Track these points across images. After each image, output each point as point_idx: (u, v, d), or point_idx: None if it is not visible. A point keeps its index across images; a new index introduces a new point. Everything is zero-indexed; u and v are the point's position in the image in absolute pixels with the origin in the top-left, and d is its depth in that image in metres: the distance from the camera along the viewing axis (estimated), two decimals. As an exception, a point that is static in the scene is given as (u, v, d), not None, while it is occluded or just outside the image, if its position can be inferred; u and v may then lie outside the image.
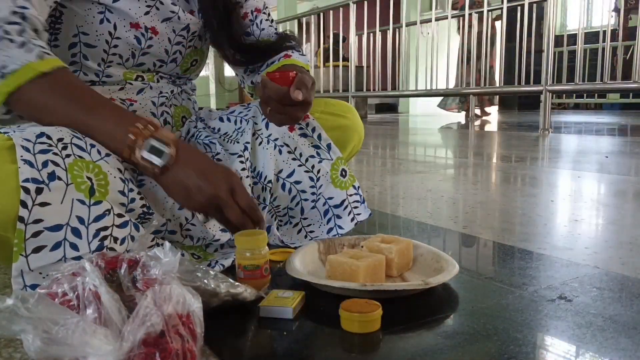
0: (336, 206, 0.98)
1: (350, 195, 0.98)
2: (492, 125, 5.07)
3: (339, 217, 0.98)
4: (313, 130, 0.98)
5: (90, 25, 0.82)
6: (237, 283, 0.66)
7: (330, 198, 0.97)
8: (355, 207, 0.98)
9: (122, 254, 0.53)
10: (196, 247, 0.87)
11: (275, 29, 1.05)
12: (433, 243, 0.91)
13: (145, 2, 0.86)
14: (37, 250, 0.63)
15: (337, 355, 0.58)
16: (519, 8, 4.63)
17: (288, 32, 1.07)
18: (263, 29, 1.02)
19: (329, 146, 0.98)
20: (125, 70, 0.89)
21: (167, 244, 0.53)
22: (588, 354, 0.59)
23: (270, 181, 0.94)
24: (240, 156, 0.92)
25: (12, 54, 0.67)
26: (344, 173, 0.98)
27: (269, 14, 1.05)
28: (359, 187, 1.00)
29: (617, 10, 5.39)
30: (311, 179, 0.96)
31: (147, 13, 0.86)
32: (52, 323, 0.42)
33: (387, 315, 0.64)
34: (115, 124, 0.70)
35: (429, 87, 5.10)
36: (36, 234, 0.62)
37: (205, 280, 0.61)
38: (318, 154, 0.97)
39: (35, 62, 0.68)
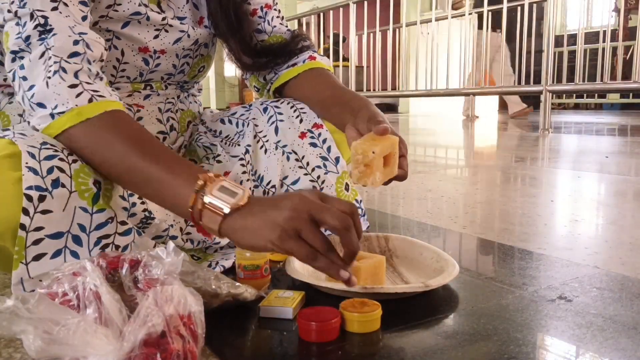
0: None
1: None
2: (492, 126, 5.07)
3: None
4: (324, 141, 0.97)
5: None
6: (237, 283, 0.66)
7: None
8: None
9: (124, 254, 0.53)
10: (196, 249, 0.87)
11: (287, 26, 1.02)
12: (433, 243, 0.91)
13: (154, 26, 0.85)
14: (38, 258, 0.63)
15: (336, 355, 0.58)
16: (519, 8, 4.63)
17: (300, 31, 1.04)
18: (274, 26, 0.99)
19: (337, 159, 0.97)
20: (132, 83, 0.89)
21: (170, 243, 0.53)
22: (588, 354, 0.59)
23: (274, 186, 0.94)
24: (241, 159, 0.92)
25: (61, 93, 0.65)
26: (347, 187, 0.98)
27: (279, 11, 1.02)
28: (360, 200, 1.01)
29: (617, 10, 5.39)
30: (314, 188, 0.96)
31: (156, 37, 0.86)
32: (52, 323, 0.42)
33: (387, 315, 0.64)
34: (181, 170, 0.63)
35: (429, 87, 5.10)
36: (37, 242, 0.62)
37: (207, 281, 0.61)
38: (325, 165, 0.96)
39: (83, 106, 0.65)
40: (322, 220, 0.57)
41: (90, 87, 0.67)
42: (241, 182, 0.91)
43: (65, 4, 0.70)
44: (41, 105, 0.66)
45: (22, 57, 0.68)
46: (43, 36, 0.68)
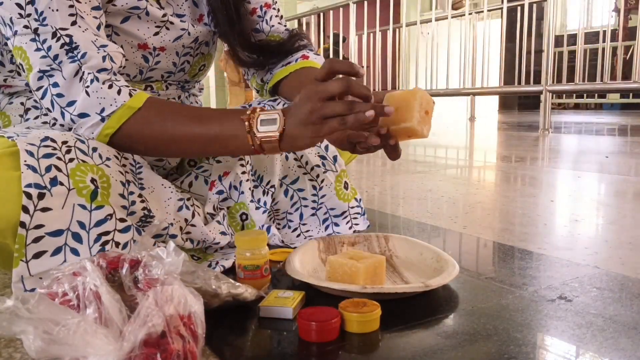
0: (336, 216, 0.99)
1: (352, 207, 0.99)
2: (492, 126, 5.07)
3: (337, 224, 0.98)
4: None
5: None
6: (237, 283, 0.66)
7: (332, 209, 0.98)
8: (355, 218, 1.00)
9: (124, 254, 0.53)
10: (196, 249, 0.87)
11: (285, 26, 1.03)
12: (433, 243, 0.91)
13: (155, 22, 0.85)
14: (38, 255, 0.63)
15: (336, 355, 0.58)
16: (519, 8, 4.63)
17: (298, 31, 1.05)
18: (273, 26, 1.00)
19: (335, 158, 0.97)
20: (132, 82, 0.89)
21: (171, 243, 0.53)
22: (588, 354, 0.59)
23: (273, 186, 0.94)
24: (241, 159, 0.92)
25: (105, 96, 0.71)
26: (346, 185, 0.99)
27: (278, 10, 1.02)
28: (360, 199, 1.01)
29: (617, 10, 5.39)
30: (314, 187, 0.96)
31: (156, 34, 0.86)
32: (53, 323, 0.42)
33: (387, 315, 0.64)
34: (230, 122, 0.73)
35: (429, 87, 5.10)
36: (37, 240, 0.62)
37: (207, 281, 0.61)
38: (324, 164, 0.97)
39: (129, 100, 0.72)
40: (330, 92, 0.67)
41: (122, 84, 0.74)
42: (241, 183, 0.91)
43: (82, 17, 0.73)
44: (84, 115, 0.71)
45: (51, 76, 0.71)
46: (71, 54, 0.71)
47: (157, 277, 0.50)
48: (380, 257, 0.77)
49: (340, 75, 0.72)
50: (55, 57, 0.71)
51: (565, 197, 1.57)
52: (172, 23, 0.87)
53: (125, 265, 0.50)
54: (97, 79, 0.71)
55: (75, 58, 0.71)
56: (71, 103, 0.71)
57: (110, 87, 0.72)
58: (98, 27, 0.75)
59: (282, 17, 1.03)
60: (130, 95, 0.73)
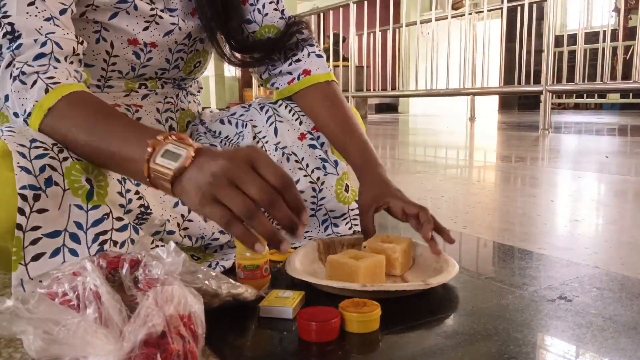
0: (336, 217, 0.99)
1: (352, 209, 0.99)
2: (492, 125, 5.07)
3: (336, 225, 0.98)
4: (322, 144, 0.97)
5: (86, 45, 0.78)
6: (237, 283, 0.66)
7: (332, 211, 0.98)
8: (355, 220, 0.99)
9: (124, 254, 0.53)
10: (195, 249, 0.86)
11: (282, 11, 0.95)
12: (433, 243, 0.91)
13: (144, 17, 0.83)
14: (36, 258, 0.62)
15: (336, 355, 0.58)
16: (519, 8, 4.63)
17: (297, 19, 0.97)
18: (266, 14, 0.94)
19: (336, 161, 0.97)
20: (126, 81, 0.88)
21: (172, 243, 0.53)
22: (588, 354, 0.59)
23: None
24: None
25: (24, 96, 0.66)
26: (347, 188, 0.98)
27: None
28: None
29: (617, 10, 5.38)
30: (314, 189, 0.96)
31: (146, 29, 0.84)
32: (53, 324, 0.42)
33: (387, 315, 0.64)
34: (133, 141, 0.60)
35: (429, 87, 5.10)
36: (35, 241, 0.62)
37: (207, 281, 0.61)
38: (324, 167, 0.96)
39: (42, 98, 0.65)
40: (243, 189, 0.52)
41: (45, 75, 0.67)
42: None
43: (42, 0, 0.70)
44: (16, 114, 0.68)
45: None
46: (12, 44, 0.68)
47: (157, 277, 0.50)
48: (380, 257, 0.77)
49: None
50: None
51: (565, 197, 1.57)
52: (161, 18, 0.85)
53: (125, 265, 0.50)
54: (24, 73, 0.66)
55: (11, 48, 0.67)
56: (6, 97, 0.68)
57: (34, 83, 0.66)
58: (62, 12, 0.71)
59: (278, 1, 0.95)
60: (47, 91, 0.65)
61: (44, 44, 0.68)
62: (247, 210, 0.52)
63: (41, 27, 0.69)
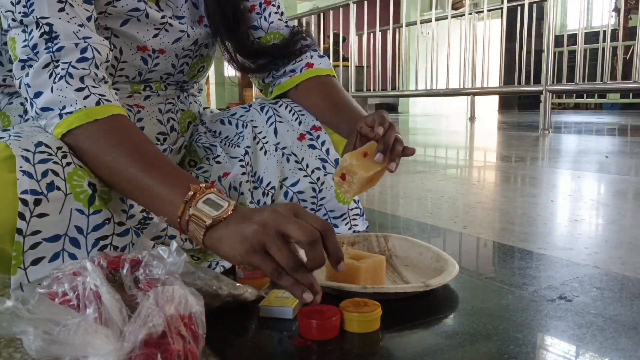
0: (335, 217, 0.99)
1: (352, 209, 0.99)
2: (492, 125, 5.07)
3: (336, 225, 0.98)
4: (322, 144, 0.97)
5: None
6: (238, 284, 0.67)
7: (332, 210, 0.98)
8: (354, 219, 1.00)
9: (125, 253, 0.53)
10: (196, 249, 0.87)
11: (286, 22, 0.99)
12: (433, 243, 0.91)
13: (154, 25, 0.85)
14: (36, 262, 0.62)
15: (336, 355, 0.58)
16: (519, 8, 4.63)
17: (299, 28, 1.01)
18: (272, 22, 0.97)
19: (336, 161, 0.97)
20: (132, 84, 0.89)
21: (174, 243, 0.53)
22: (588, 354, 0.59)
23: (273, 187, 0.94)
24: (241, 160, 0.92)
25: (68, 95, 0.67)
26: None
27: (278, 6, 0.99)
28: (358, 200, 1.01)
29: (617, 10, 5.39)
30: (314, 189, 0.96)
31: (155, 36, 0.85)
32: (53, 324, 0.42)
33: (387, 315, 0.64)
34: (175, 180, 0.63)
35: (429, 87, 5.10)
36: (34, 246, 0.62)
37: (207, 282, 0.61)
38: (324, 167, 0.96)
39: (91, 107, 0.67)
40: (288, 233, 0.55)
41: (97, 90, 0.69)
42: (240, 184, 0.91)
43: (71, 5, 0.71)
44: (47, 109, 0.68)
45: (30, 66, 0.69)
46: (49, 44, 0.69)
47: (158, 277, 0.50)
48: (380, 257, 0.77)
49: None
50: (34, 46, 0.69)
51: (565, 197, 1.57)
52: (171, 25, 0.87)
53: (126, 265, 0.50)
54: (70, 75, 0.68)
55: (51, 49, 0.68)
56: (37, 94, 0.69)
57: (79, 89, 0.68)
58: (88, 19, 0.73)
59: (282, 13, 1.00)
60: (98, 104, 0.68)
61: (84, 49, 0.70)
62: (294, 263, 0.56)
63: (78, 31, 0.71)
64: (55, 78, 0.68)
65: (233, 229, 0.57)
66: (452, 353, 0.58)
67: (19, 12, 0.69)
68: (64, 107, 0.67)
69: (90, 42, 0.71)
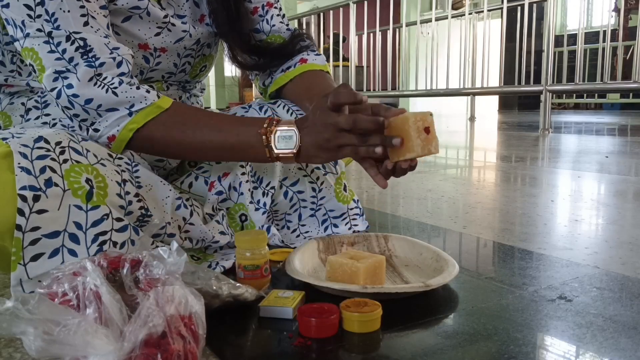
0: (335, 217, 0.99)
1: (351, 209, 0.99)
2: (492, 125, 5.07)
3: (336, 226, 0.99)
4: None
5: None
6: (238, 284, 0.67)
7: (332, 210, 0.98)
8: (354, 219, 1.00)
9: (125, 253, 0.53)
10: (195, 249, 0.87)
11: (287, 25, 1.01)
12: (433, 243, 0.91)
13: (156, 23, 0.85)
14: (35, 258, 0.62)
15: (336, 355, 0.58)
16: (519, 8, 4.63)
17: (300, 31, 1.03)
18: (273, 25, 0.98)
19: (335, 161, 0.97)
20: None
21: (174, 243, 0.53)
22: (588, 354, 0.59)
23: (273, 187, 0.94)
24: None
25: (135, 95, 0.74)
26: (345, 187, 0.99)
27: (280, 9, 1.00)
28: (358, 200, 1.01)
29: (617, 10, 5.39)
30: (313, 189, 0.96)
31: (157, 34, 0.86)
32: (53, 324, 0.42)
33: (387, 315, 0.64)
34: (247, 134, 0.77)
35: (429, 87, 5.10)
36: (34, 242, 0.62)
37: (207, 282, 0.61)
38: (324, 166, 0.97)
39: (158, 100, 0.76)
40: (342, 127, 0.71)
41: (147, 89, 0.77)
42: (240, 184, 0.91)
43: (93, 17, 0.74)
44: (112, 109, 0.74)
45: (66, 77, 0.73)
46: (86, 57, 0.73)
47: (158, 277, 0.50)
48: (381, 257, 0.77)
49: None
50: (71, 59, 0.72)
51: (565, 197, 1.57)
52: (173, 25, 0.87)
53: (126, 265, 0.50)
54: (123, 82, 0.74)
55: (92, 63, 0.73)
56: (89, 101, 0.73)
57: (138, 88, 0.75)
58: (108, 27, 0.77)
59: (284, 16, 1.01)
60: (159, 96, 0.76)
61: (120, 64, 0.75)
62: (362, 139, 0.73)
63: (108, 42, 0.75)
64: (112, 84, 0.73)
65: (312, 147, 0.75)
66: (452, 353, 0.58)
67: (46, 23, 0.71)
68: (132, 105, 0.74)
69: (122, 55, 0.76)
